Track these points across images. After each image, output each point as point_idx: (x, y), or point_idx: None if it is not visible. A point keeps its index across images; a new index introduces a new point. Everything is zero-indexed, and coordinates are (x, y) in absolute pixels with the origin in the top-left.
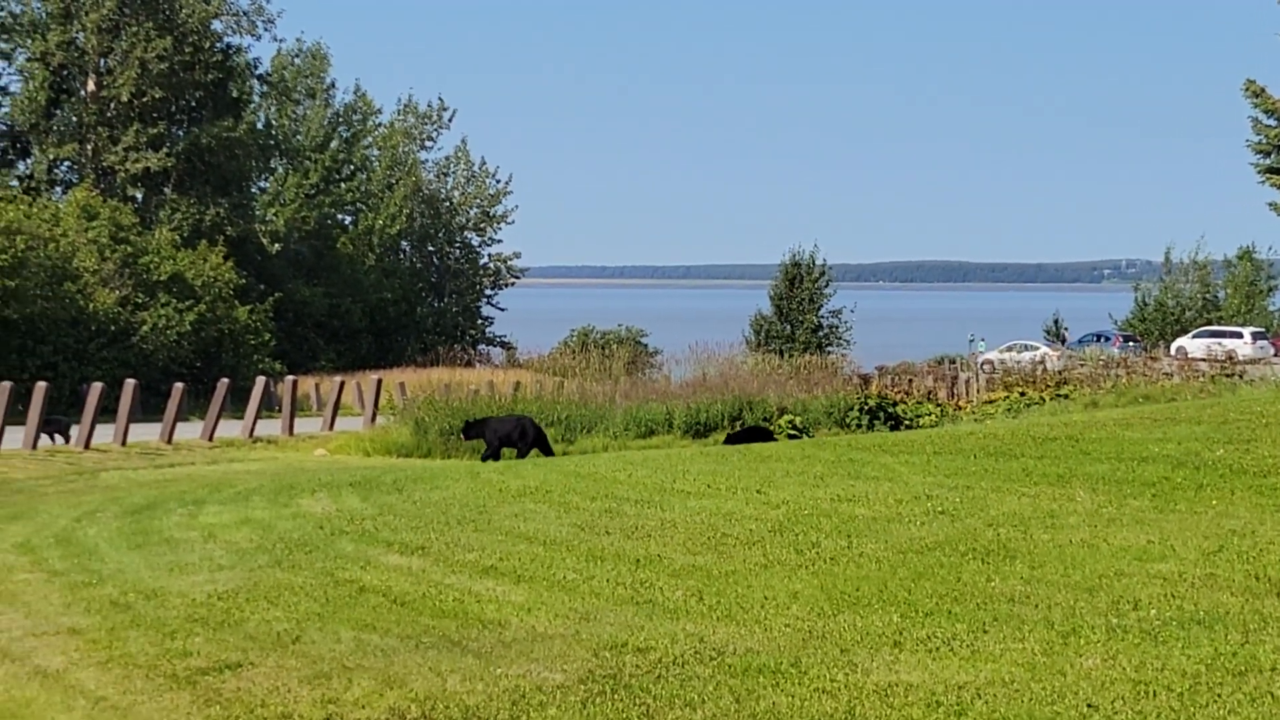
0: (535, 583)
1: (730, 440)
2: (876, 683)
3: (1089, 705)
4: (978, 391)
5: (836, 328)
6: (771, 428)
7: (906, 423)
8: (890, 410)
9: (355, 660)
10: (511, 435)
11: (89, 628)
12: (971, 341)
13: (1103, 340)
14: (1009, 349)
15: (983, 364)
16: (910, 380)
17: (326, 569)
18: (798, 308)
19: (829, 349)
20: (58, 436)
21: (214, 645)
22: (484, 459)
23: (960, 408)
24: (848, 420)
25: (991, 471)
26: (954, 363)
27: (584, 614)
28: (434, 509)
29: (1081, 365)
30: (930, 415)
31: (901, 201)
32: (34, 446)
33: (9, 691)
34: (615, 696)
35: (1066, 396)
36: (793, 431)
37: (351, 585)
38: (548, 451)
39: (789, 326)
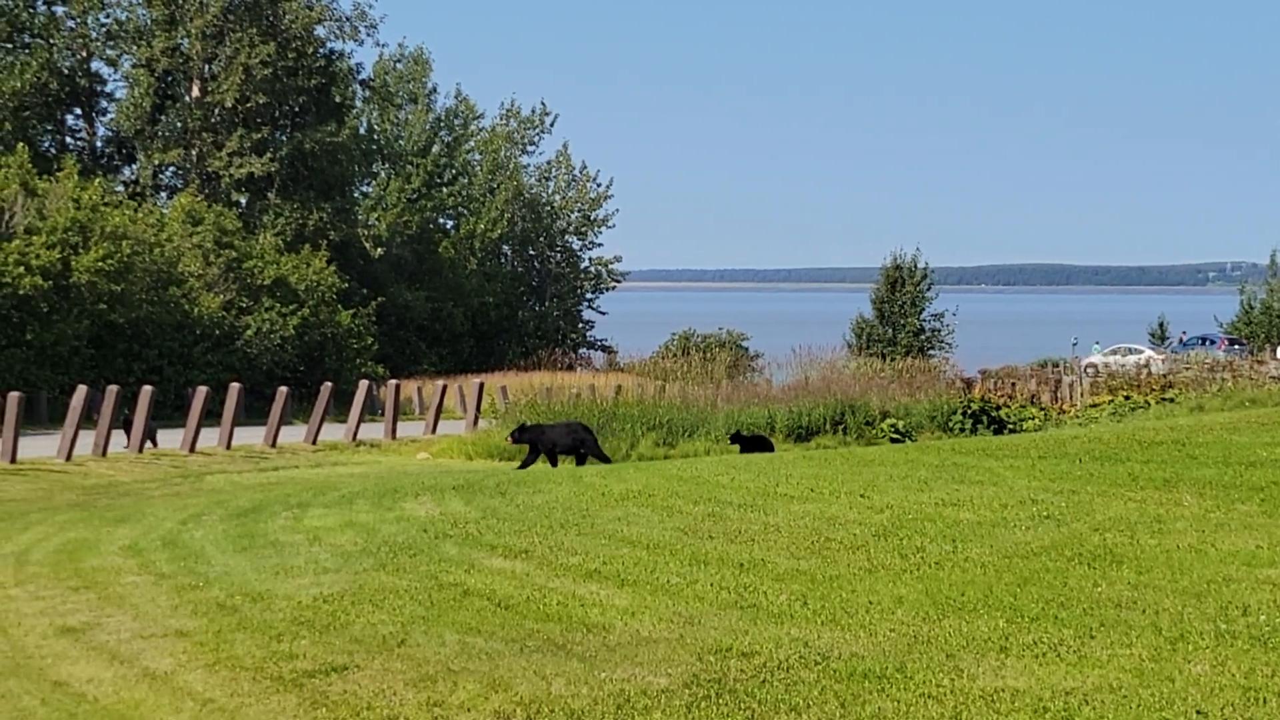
0: (639, 586)
1: (734, 440)
2: (983, 688)
3: (1198, 712)
4: (1081, 395)
5: (938, 331)
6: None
7: (1010, 426)
8: (993, 414)
9: (460, 663)
10: (563, 442)
11: (196, 630)
12: (1075, 345)
13: (1208, 343)
14: (1113, 352)
15: (1086, 367)
16: (1013, 384)
17: (431, 572)
18: (899, 311)
19: (931, 352)
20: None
21: (320, 648)
22: (522, 467)
23: (1064, 411)
24: (951, 424)
25: (1097, 476)
26: (1057, 366)
27: (688, 618)
28: (537, 513)
29: (1186, 369)
30: (1034, 419)
31: (1003, 204)
32: (140, 450)
33: (118, 693)
34: (720, 701)
35: (1172, 400)
36: (895, 435)
37: (456, 588)
38: (603, 458)
39: (890, 330)
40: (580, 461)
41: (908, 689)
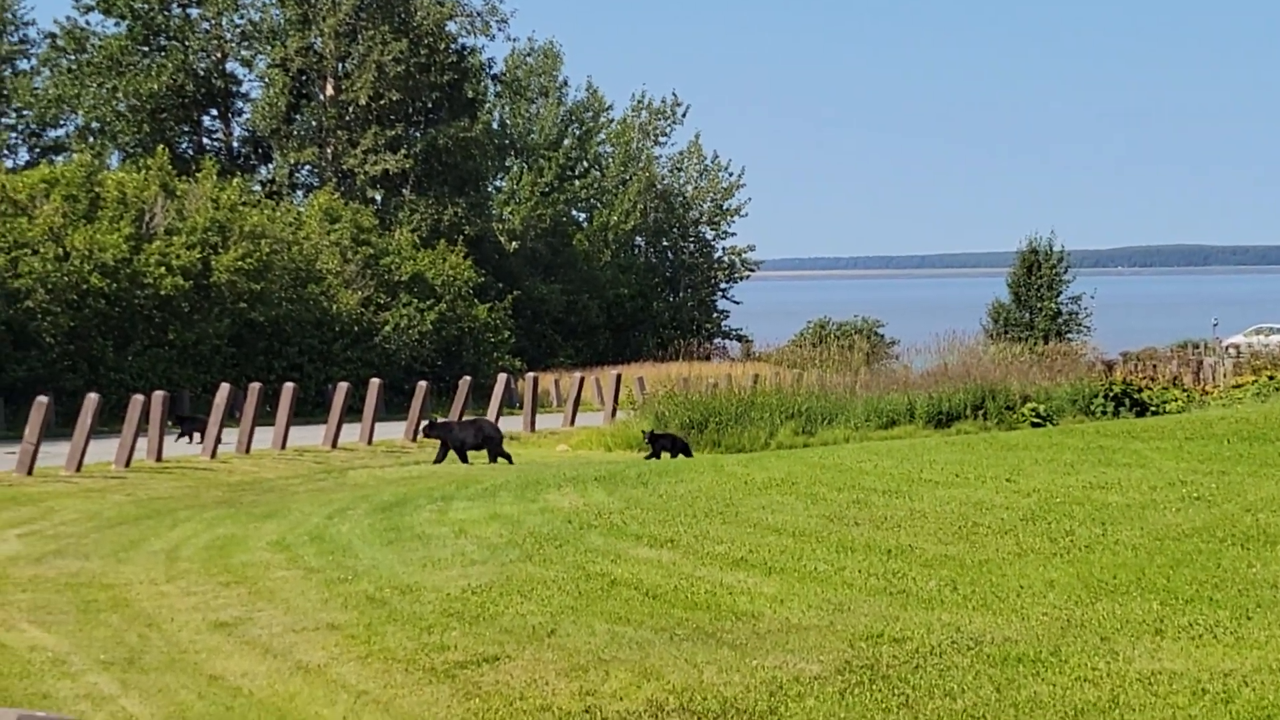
0: (786, 574)
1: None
2: (1139, 671)
3: None
4: (1224, 376)
5: (1076, 314)
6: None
7: (1153, 409)
8: (1135, 396)
9: (611, 653)
10: (468, 440)
11: (347, 623)
12: (1216, 326)
13: None
14: (1255, 332)
15: (1228, 348)
16: (1154, 366)
17: (577, 562)
18: (1036, 295)
19: (1069, 336)
20: (196, 436)
21: (470, 639)
22: (436, 461)
23: (1206, 393)
24: (1092, 407)
25: (1246, 456)
26: (1198, 347)
27: (837, 605)
28: (680, 502)
29: None
30: (1176, 401)
31: (1140, 185)
32: (283, 446)
33: (273, 686)
34: (874, 687)
35: None
36: (1036, 419)
37: (603, 578)
38: (507, 457)
39: (1028, 314)
40: (492, 459)
41: (1063, 673)
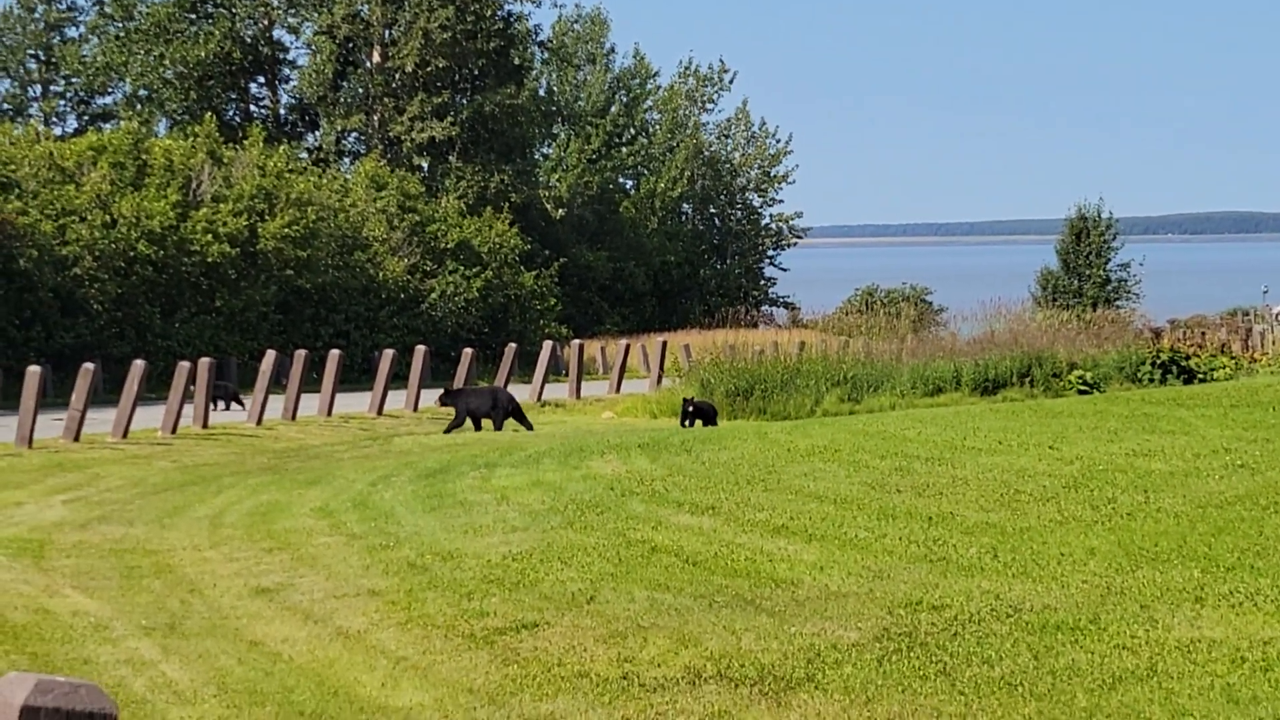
0: (827, 541)
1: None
2: (1179, 639)
3: None
4: (1273, 344)
5: (1125, 281)
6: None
7: (1200, 376)
8: (1183, 364)
9: (650, 619)
10: (482, 407)
11: (388, 589)
12: (1265, 293)
13: None
14: None
15: (1277, 315)
16: (1203, 333)
17: (618, 529)
18: (1085, 262)
19: (1118, 303)
20: (220, 404)
21: (510, 605)
22: (448, 430)
23: (1255, 360)
24: (1139, 375)
25: None
26: (1248, 315)
27: (877, 572)
28: (723, 469)
29: None
30: (1224, 369)
31: (1190, 152)
32: (329, 413)
33: (313, 652)
34: (911, 654)
35: None
36: (1083, 387)
37: (643, 545)
38: (520, 422)
39: (1076, 281)
40: (497, 425)
41: (1102, 640)
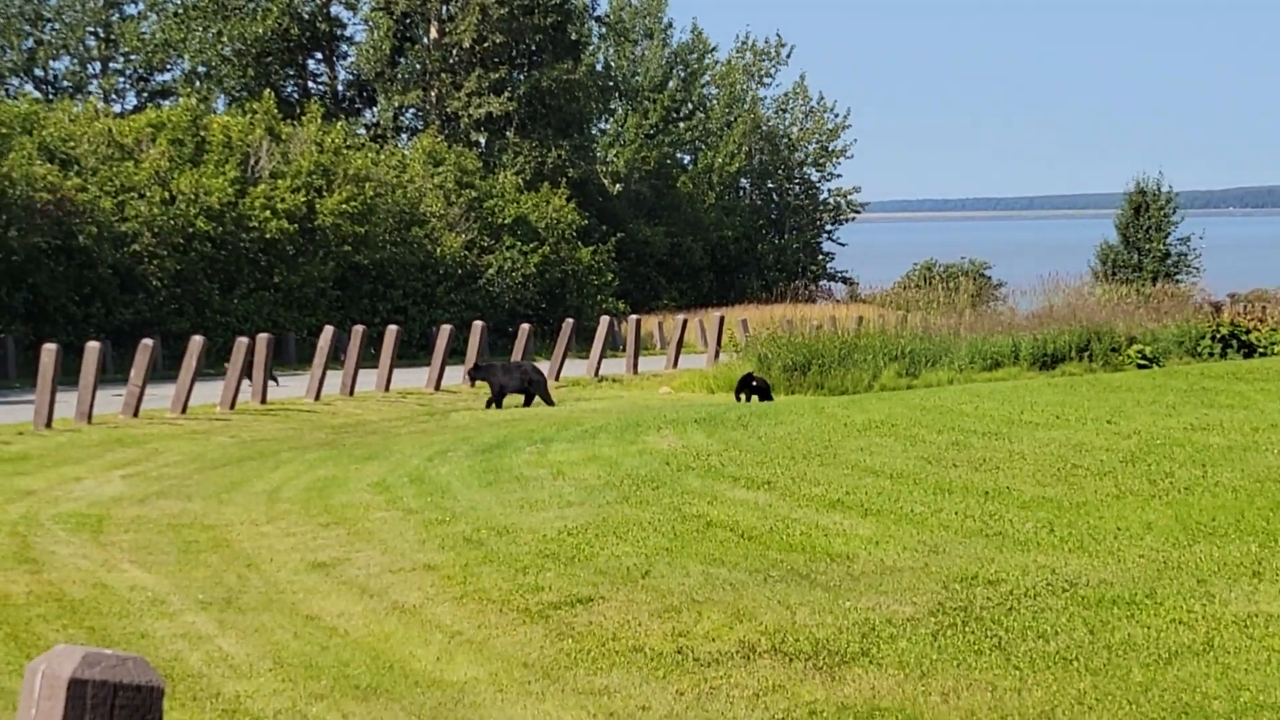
0: (883, 516)
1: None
2: (1235, 613)
3: None
4: None
5: (1185, 255)
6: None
7: (1260, 351)
8: (1243, 338)
9: (704, 594)
10: (509, 384)
11: (443, 564)
12: None
13: None
14: None
15: None
16: (1264, 307)
17: (674, 504)
18: (1144, 236)
19: (1178, 277)
20: (244, 382)
21: (565, 580)
22: (489, 405)
23: None
24: (1199, 349)
25: None
26: None
27: (933, 546)
28: (779, 444)
29: None
30: None
31: (1251, 125)
32: (386, 389)
33: (368, 626)
34: (967, 629)
35: None
36: (1142, 361)
37: (699, 520)
38: (547, 399)
39: (1135, 255)
40: (528, 402)
41: (1158, 615)
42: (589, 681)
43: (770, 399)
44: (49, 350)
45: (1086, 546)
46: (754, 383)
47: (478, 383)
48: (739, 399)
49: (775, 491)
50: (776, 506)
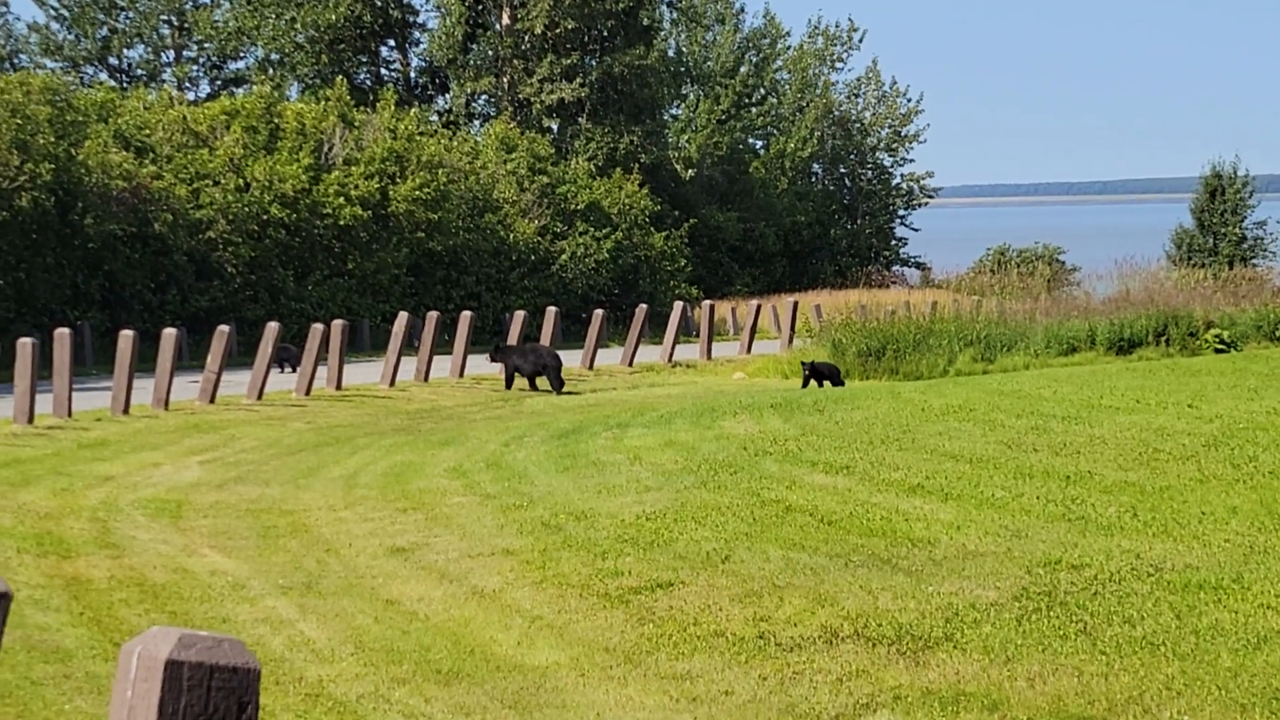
0: (963, 500)
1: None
2: None
3: None
4: None
5: (1262, 239)
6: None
7: None
8: None
9: (785, 579)
10: (525, 366)
11: (522, 549)
12: None
13: None
14: None
15: None
16: None
17: (752, 489)
18: (1220, 220)
19: (1254, 261)
20: (287, 367)
21: (644, 565)
22: (509, 385)
23: None
24: (1278, 333)
25: None
26: None
27: (1015, 531)
28: (856, 429)
29: None
30: None
31: None
32: (461, 374)
33: (449, 610)
34: (1051, 614)
35: None
36: (1220, 345)
37: (778, 505)
38: (555, 385)
39: (1211, 239)
40: (531, 386)
41: (1245, 600)
42: (671, 666)
43: (841, 383)
44: (126, 337)
45: (1171, 531)
46: (808, 370)
47: (494, 362)
48: (805, 386)
49: (854, 476)
50: (856, 491)
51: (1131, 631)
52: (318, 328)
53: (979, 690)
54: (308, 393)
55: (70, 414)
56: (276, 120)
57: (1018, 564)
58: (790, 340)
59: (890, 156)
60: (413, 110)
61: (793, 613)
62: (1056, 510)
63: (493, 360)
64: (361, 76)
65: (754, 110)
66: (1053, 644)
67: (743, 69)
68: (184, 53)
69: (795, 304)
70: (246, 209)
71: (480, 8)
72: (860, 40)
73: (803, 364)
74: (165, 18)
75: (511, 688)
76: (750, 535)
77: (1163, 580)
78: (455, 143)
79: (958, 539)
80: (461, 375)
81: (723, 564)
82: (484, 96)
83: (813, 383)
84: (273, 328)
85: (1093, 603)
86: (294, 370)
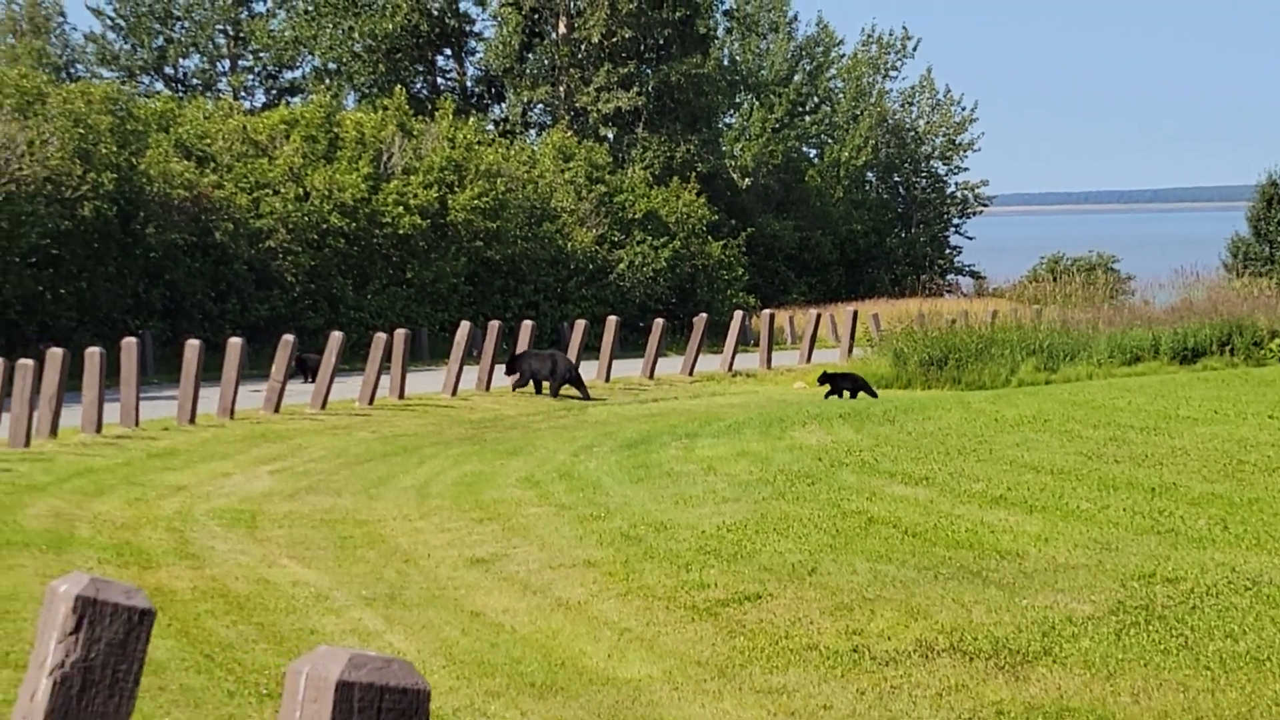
0: (1048, 512)
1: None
2: None
3: None
4: None
5: None
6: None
7: None
8: None
9: (874, 591)
10: (541, 371)
11: (603, 560)
12: None
13: None
14: None
15: None
16: None
17: (832, 500)
18: (1276, 229)
19: None
20: (309, 376)
21: (729, 577)
22: (515, 388)
23: None
24: None
25: None
26: None
27: (1104, 544)
28: (930, 439)
29: None
30: None
31: None
32: (517, 387)
33: (535, 622)
34: (1150, 628)
35: None
36: None
37: (859, 516)
38: (555, 389)
39: (1268, 248)
40: (538, 388)
41: None
42: (765, 680)
43: (873, 393)
44: (192, 346)
45: (1264, 544)
46: (825, 382)
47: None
48: (838, 394)
49: (934, 487)
50: (938, 502)
51: (1234, 646)
52: (380, 337)
53: (1083, 705)
54: (370, 402)
55: (138, 423)
56: (336, 130)
57: (1110, 577)
58: (850, 349)
59: (945, 165)
60: (470, 119)
61: (885, 626)
62: (1145, 523)
63: (509, 372)
64: (418, 86)
65: (808, 119)
66: (1154, 659)
67: (796, 77)
68: (239, 62)
69: (855, 313)
70: (306, 218)
71: (537, 17)
72: (914, 48)
73: (820, 378)
74: (220, 27)
75: (607, 701)
76: (834, 547)
77: (1261, 594)
78: (513, 152)
79: (1047, 551)
80: (489, 388)
81: (809, 576)
82: (541, 105)
83: (845, 393)
84: (336, 337)
85: (1191, 616)
86: (311, 380)
